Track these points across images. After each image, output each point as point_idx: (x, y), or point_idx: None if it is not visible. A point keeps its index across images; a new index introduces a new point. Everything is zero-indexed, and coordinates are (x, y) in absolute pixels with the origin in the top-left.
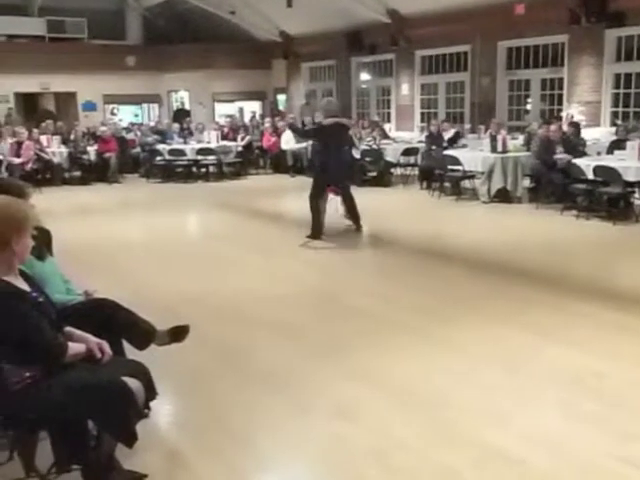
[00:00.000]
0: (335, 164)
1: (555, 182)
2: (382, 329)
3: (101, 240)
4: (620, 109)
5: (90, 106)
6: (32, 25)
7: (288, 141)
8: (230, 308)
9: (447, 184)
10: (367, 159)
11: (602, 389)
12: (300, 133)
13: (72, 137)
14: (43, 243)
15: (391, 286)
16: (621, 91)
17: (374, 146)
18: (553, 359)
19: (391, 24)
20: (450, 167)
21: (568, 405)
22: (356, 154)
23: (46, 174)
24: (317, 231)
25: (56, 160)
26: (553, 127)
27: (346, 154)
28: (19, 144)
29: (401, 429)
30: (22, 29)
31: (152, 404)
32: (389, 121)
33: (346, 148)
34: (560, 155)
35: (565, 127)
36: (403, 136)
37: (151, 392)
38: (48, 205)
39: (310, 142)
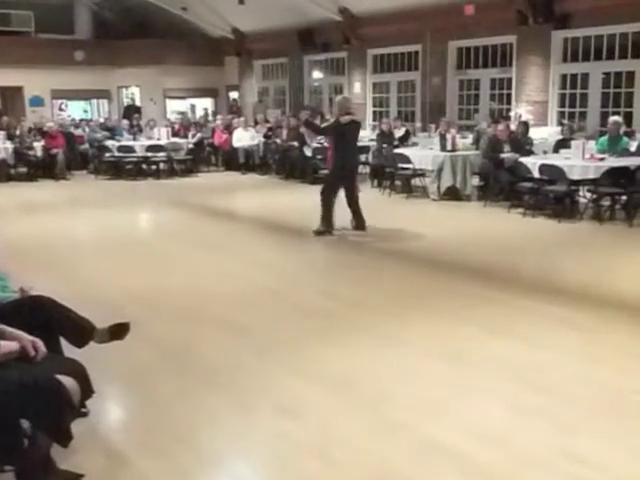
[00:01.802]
0: (352, 161)
1: (502, 180)
2: (328, 326)
3: (47, 238)
4: (566, 109)
5: (37, 101)
6: None
7: (240, 138)
8: (177, 306)
9: (398, 182)
10: (318, 157)
11: (544, 382)
12: (317, 130)
13: (18, 132)
14: None
15: (337, 284)
16: (567, 91)
17: (325, 144)
18: (496, 352)
19: (343, 22)
20: (401, 165)
21: (510, 398)
22: (307, 152)
23: None
24: (329, 225)
25: (1, 156)
26: (500, 126)
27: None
28: None
29: (343, 425)
30: None
31: (91, 403)
32: None
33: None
34: (507, 154)
35: (513, 126)
36: None
37: (87, 390)
38: None
39: (262, 140)
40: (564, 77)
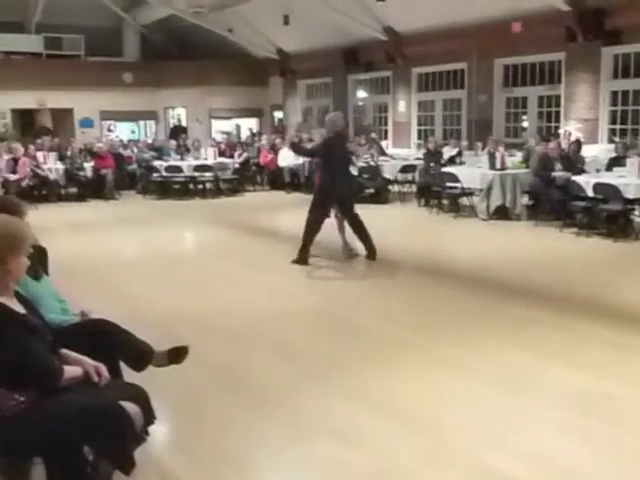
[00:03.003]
0: (341, 181)
1: (554, 199)
2: (380, 348)
3: (97, 257)
4: (618, 126)
5: (87, 123)
6: (30, 42)
7: (285, 158)
8: (227, 327)
9: (445, 201)
10: (365, 176)
11: (606, 410)
12: (304, 153)
13: (69, 153)
14: (38, 261)
15: (389, 304)
16: (618, 108)
17: (372, 163)
18: (554, 379)
19: (387, 41)
20: (448, 184)
21: (572, 427)
22: (354, 171)
23: (42, 190)
24: (303, 255)
25: (52, 176)
26: (552, 144)
27: (350, 171)
28: (15, 160)
29: (402, 452)
30: (20, 46)
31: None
32: (386, 138)
33: (351, 164)
34: (559, 172)
35: (564, 144)
36: (400, 153)
37: (149, 416)
38: (44, 222)
39: (307, 159)
40: (615, 94)
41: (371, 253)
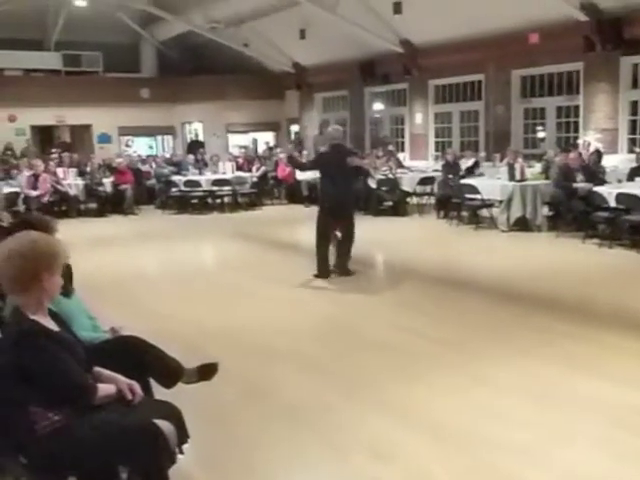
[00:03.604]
0: (338, 194)
1: (576, 210)
2: (407, 362)
3: (118, 272)
4: (637, 136)
5: (105, 138)
6: (49, 59)
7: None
8: (250, 341)
9: (465, 213)
10: (383, 189)
11: (638, 423)
12: (298, 166)
13: (88, 169)
14: (66, 277)
15: (411, 317)
16: (638, 118)
17: (390, 175)
18: (587, 393)
19: (404, 54)
20: (468, 196)
21: (612, 442)
22: (372, 184)
23: (62, 206)
24: (322, 268)
25: (72, 192)
26: (572, 155)
27: (350, 183)
28: (36, 177)
29: (437, 468)
30: (39, 63)
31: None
32: (403, 150)
33: (350, 177)
34: (581, 183)
35: (584, 154)
36: (417, 165)
37: (183, 435)
38: (65, 237)
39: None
40: (634, 104)
41: (341, 270)
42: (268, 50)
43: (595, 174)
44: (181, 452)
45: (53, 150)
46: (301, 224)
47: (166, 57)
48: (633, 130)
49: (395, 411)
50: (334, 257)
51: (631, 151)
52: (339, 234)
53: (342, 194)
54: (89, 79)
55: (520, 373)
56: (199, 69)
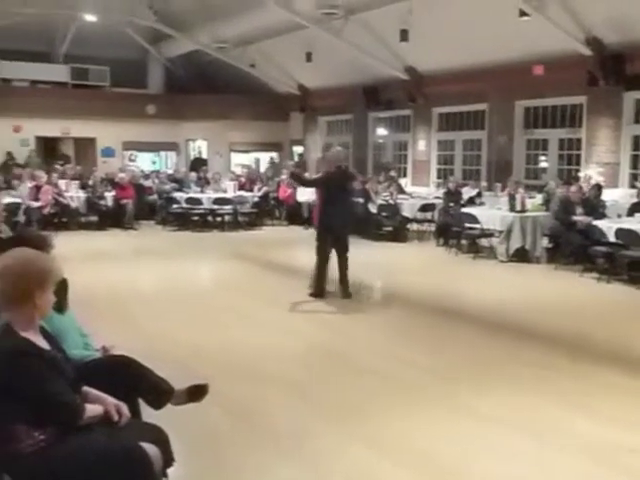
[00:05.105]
0: (339, 216)
1: (575, 243)
2: (397, 392)
3: (115, 289)
4: (639, 171)
5: (109, 152)
6: (56, 71)
7: (304, 193)
8: (242, 364)
9: (464, 241)
10: (383, 214)
11: (630, 464)
12: (303, 182)
13: (91, 182)
14: (61, 293)
15: (405, 346)
16: None
17: (390, 201)
18: (581, 431)
19: (409, 81)
20: (468, 225)
21: None
22: (372, 208)
23: (63, 218)
24: (320, 290)
25: (73, 205)
26: (573, 188)
27: (351, 206)
28: (38, 188)
29: None
30: (46, 75)
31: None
32: (405, 176)
33: (351, 200)
34: (580, 217)
35: (585, 188)
36: (419, 191)
37: (168, 458)
38: (63, 250)
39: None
40: (636, 138)
41: (345, 294)
42: (274, 71)
43: (595, 208)
44: (165, 476)
45: (60, 162)
46: (300, 246)
47: (173, 74)
48: (634, 165)
49: (381, 441)
50: (337, 281)
51: (632, 186)
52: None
53: (342, 215)
54: (96, 93)
55: (511, 407)
56: (205, 87)
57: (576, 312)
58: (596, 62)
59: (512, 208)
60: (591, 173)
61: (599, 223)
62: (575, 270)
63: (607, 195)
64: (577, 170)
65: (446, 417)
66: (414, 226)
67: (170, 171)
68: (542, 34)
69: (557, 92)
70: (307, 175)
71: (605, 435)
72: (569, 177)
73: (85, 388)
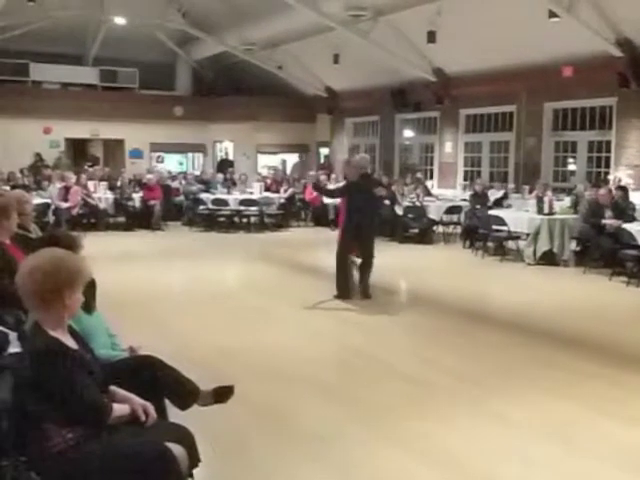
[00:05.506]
0: (363, 221)
1: (604, 247)
2: (426, 396)
3: (142, 289)
4: None
5: (137, 153)
6: (86, 74)
7: None
8: (270, 365)
9: (491, 244)
10: (409, 216)
11: None
12: (326, 194)
13: (119, 184)
14: (89, 294)
15: (432, 349)
16: None
17: (417, 203)
18: (612, 437)
19: (436, 82)
20: (495, 227)
21: None
22: (399, 210)
23: (91, 219)
24: (345, 291)
25: (102, 206)
26: (602, 191)
27: (375, 211)
28: (67, 189)
29: None
30: (77, 78)
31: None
32: (431, 178)
33: (377, 206)
34: (609, 220)
35: (614, 191)
36: (445, 193)
37: (194, 459)
38: (91, 251)
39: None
40: None
41: (365, 294)
42: (301, 73)
43: (624, 211)
44: (191, 476)
45: (89, 164)
46: (326, 247)
47: (201, 76)
48: None
49: (409, 445)
50: (358, 281)
51: None
52: (357, 260)
53: (367, 221)
54: (124, 95)
55: (541, 413)
56: (232, 89)
57: (606, 316)
58: (627, 63)
59: (540, 211)
60: (621, 175)
61: (628, 226)
62: (604, 274)
63: (637, 198)
64: (606, 173)
65: (476, 422)
66: (440, 228)
67: (197, 172)
68: (572, 35)
69: (587, 94)
70: (331, 180)
71: (634, 440)
72: (598, 180)
73: (112, 388)
